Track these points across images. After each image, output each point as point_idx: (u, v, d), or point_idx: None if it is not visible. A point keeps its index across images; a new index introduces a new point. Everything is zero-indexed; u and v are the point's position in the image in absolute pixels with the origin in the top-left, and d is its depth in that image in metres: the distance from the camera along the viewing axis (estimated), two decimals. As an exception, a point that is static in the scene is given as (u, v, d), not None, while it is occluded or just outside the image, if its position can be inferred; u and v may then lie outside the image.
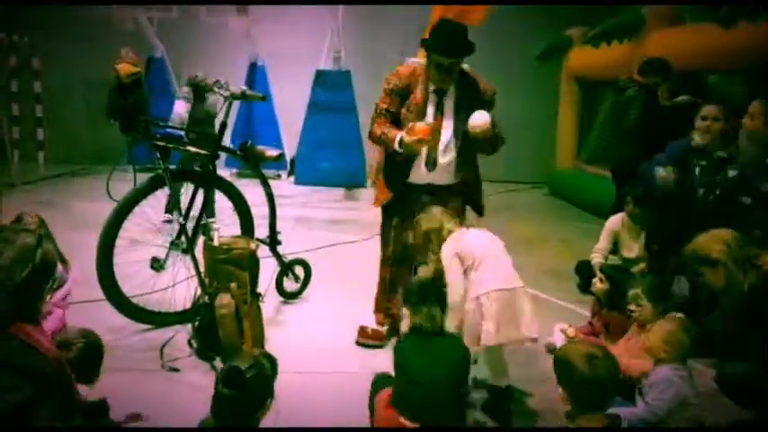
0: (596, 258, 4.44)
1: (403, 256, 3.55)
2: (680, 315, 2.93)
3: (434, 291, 2.62)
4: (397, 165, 3.46)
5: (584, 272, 4.70)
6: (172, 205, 3.40)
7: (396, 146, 3.26)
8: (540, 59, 9.58)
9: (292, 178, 9.98)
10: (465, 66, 3.50)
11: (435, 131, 3.26)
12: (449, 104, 3.42)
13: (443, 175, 3.46)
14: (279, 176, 10.06)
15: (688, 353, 2.69)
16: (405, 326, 2.72)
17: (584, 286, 4.57)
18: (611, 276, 3.56)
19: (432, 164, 3.41)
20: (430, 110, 3.40)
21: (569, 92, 9.49)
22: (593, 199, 7.77)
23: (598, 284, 3.60)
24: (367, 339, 3.73)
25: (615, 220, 4.43)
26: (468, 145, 3.40)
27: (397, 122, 3.41)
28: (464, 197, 3.58)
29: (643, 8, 7.48)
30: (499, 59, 10.60)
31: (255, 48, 10.16)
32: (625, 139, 5.48)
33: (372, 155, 9.58)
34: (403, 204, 3.51)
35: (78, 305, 3.71)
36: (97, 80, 10.27)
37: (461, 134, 3.38)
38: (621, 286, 3.48)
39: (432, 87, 3.40)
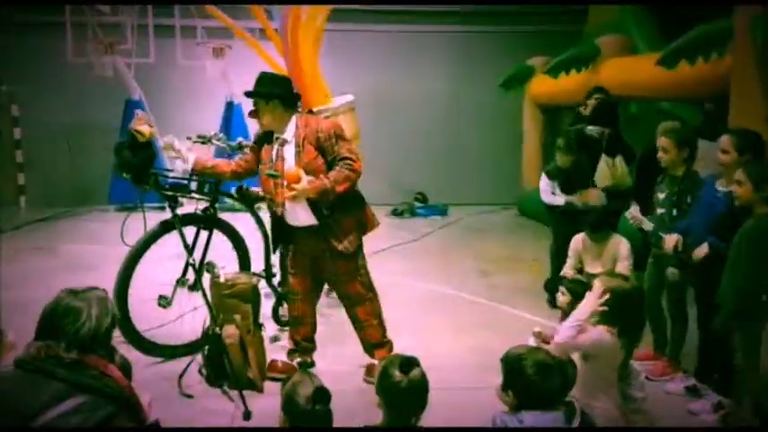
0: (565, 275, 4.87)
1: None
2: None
3: None
4: (275, 216, 3.75)
5: (553, 288, 5.13)
6: (183, 246, 3.75)
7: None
8: (503, 87, 10.13)
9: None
10: (347, 98, 4.23)
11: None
12: (289, 150, 3.64)
13: (303, 217, 3.67)
14: (259, 208, 10.38)
15: (627, 316, 2.87)
16: None
17: (553, 301, 5.00)
18: (571, 289, 3.96)
19: (281, 205, 3.68)
20: (274, 156, 3.68)
21: (532, 117, 10.04)
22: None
23: (561, 297, 4.01)
24: (276, 373, 3.86)
25: (577, 241, 4.86)
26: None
27: None
28: (337, 231, 3.69)
29: (598, 39, 8.06)
30: (466, 88, 11.22)
31: (231, 88, 10.56)
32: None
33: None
34: (295, 245, 3.84)
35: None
36: (75, 125, 10.62)
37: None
38: (581, 297, 3.89)
39: (276, 135, 3.69)
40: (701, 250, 3.51)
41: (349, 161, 3.59)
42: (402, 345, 4.19)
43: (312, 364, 4.03)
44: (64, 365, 1.99)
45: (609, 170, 5.75)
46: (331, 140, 3.60)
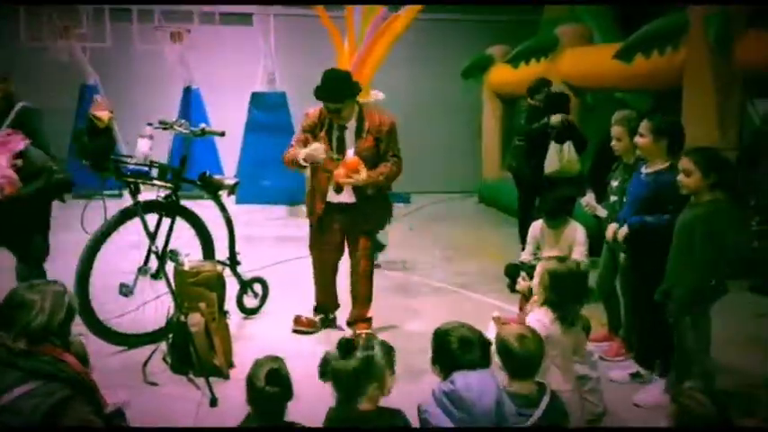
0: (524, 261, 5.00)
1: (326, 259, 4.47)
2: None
3: None
4: (318, 190, 4.26)
5: (512, 273, 5.27)
6: (146, 234, 3.73)
7: (300, 160, 4.08)
8: (463, 76, 10.22)
9: (233, 198, 10.21)
10: (379, 96, 4.30)
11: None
12: (350, 136, 4.18)
13: (348, 196, 4.22)
14: (219, 196, 10.27)
15: (559, 293, 3.06)
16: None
17: (513, 286, 5.13)
18: (531, 275, 4.07)
19: (338, 189, 4.19)
20: (334, 142, 4.19)
21: (492, 106, 10.15)
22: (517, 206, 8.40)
23: (522, 282, 4.13)
24: (300, 327, 4.48)
25: (536, 227, 4.98)
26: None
27: None
28: (369, 212, 4.31)
29: (557, 29, 8.18)
30: (427, 77, 11.28)
31: (190, 73, 10.40)
32: (513, 150, 6.70)
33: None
34: (324, 219, 4.34)
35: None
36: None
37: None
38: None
39: (335, 124, 4.18)
40: (622, 231, 3.73)
41: (397, 158, 4.24)
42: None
43: (333, 321, 4.62)
44: (14, 354, 2.04)
45: (556, 156, 5.97)
46: (389, 135, 4.21)
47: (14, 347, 2.04)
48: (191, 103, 10.62)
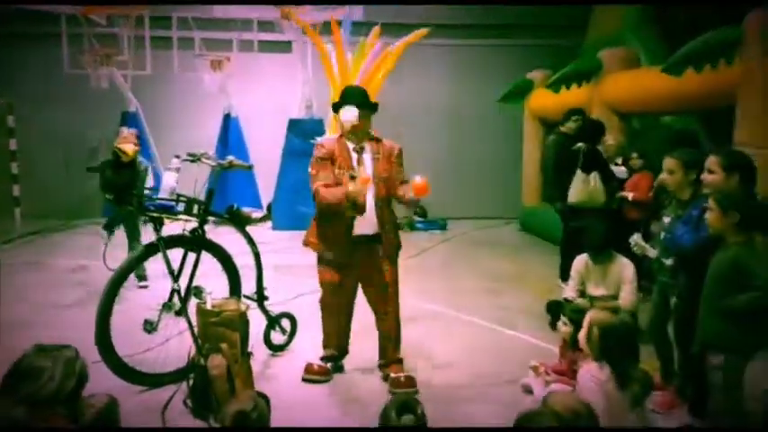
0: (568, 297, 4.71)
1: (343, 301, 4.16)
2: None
3: None
4: (340, 224, 3.91)
5: (555, 310, 4.98)
6: (167, 270, 3.60)
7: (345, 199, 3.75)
8: (502, 101, 10.00)
9: (269, 224, 10.16)
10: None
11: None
12: (367, 159, 3.98)
13: (368, 227, 3.95)
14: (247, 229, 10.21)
15: (611, 349, 2.83)
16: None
17: (554, 323, 4.84)
18: (573, 319, 3.80)
19: (362, 209, 3.84)
20: (355, 164, 3.96)
21: (532, 132, 9.88)
22: (559, 233, 8.09)
23: (563, 328, 3.86)
24: (313, 375, 4.13)
25: (580, 262, 4.71)
26: (385, 195, 3.97)
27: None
28: (389, 241, 4.06)
29: (600, 52, 7.92)
30: (468, 102, 11.11)
31: (229, 100, 10.45)
32: (546, 178, 6.81)
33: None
34: (342, 256, 4.01)
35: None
36: (71, 137, 10.51)
37: (378, 183, 3.95)
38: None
39: (351, 146, 3.97)
40: None
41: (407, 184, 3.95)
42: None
43: (342, 368, 4.30)
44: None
45: (581, 185, 5.78)
46: (399, 160, 4.06)
47: (14, 416, 1.87)
48: (230, 130, 10.67)
